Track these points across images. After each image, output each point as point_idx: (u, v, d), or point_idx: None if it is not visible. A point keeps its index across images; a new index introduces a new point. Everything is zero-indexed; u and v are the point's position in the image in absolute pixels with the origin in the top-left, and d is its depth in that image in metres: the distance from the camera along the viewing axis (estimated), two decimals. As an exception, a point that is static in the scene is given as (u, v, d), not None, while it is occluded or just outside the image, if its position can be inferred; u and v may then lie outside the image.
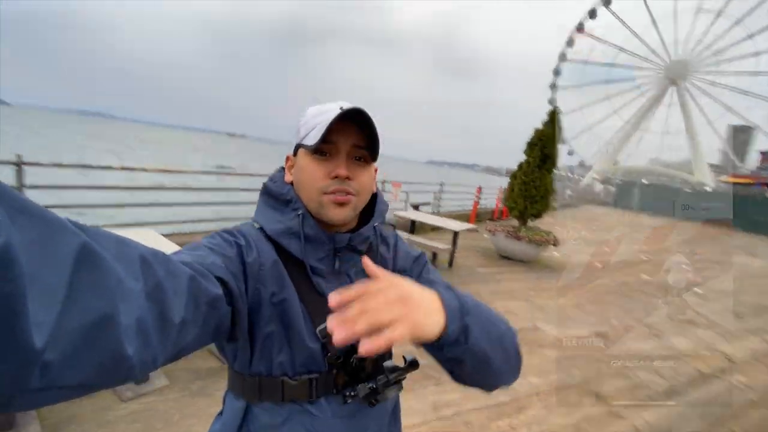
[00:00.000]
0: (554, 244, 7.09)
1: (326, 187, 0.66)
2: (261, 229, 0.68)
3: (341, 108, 0.64)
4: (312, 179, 0.66)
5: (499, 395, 2.63)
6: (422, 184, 9.65)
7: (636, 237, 6.82)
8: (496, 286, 5.56)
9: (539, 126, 7.32)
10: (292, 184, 0.71)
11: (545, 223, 7.89)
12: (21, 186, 3.28)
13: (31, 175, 3.44)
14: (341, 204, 0.66)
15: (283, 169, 0.76)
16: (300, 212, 0.66)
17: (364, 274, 0.55)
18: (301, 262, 0.67)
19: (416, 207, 8.46)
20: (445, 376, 0.66)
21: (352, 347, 0.57)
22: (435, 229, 8.98)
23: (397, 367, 0.66)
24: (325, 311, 0.48)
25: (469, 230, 6.37)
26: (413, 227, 6.57)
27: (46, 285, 0.28)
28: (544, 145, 7.11)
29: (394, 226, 4.24)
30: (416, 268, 0.80)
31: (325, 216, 0.67)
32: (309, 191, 0.67)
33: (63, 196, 4.21)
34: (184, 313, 0.43)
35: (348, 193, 0.66)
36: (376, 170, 0.76)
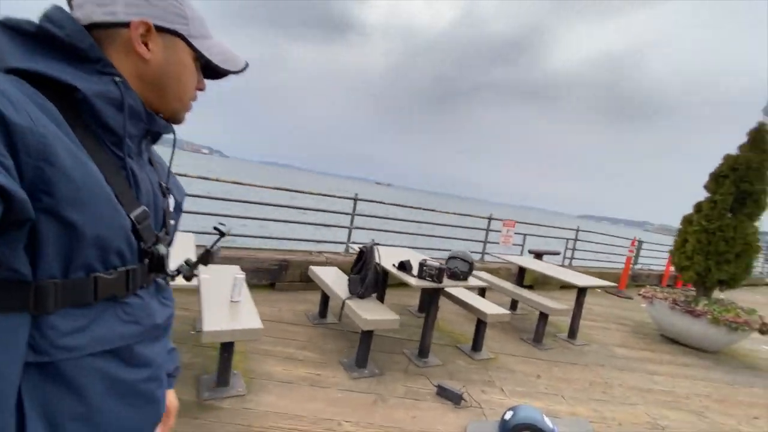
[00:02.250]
0: (762, 331, 4.47)
1: (193, 96, 0.71)
2: (34, 80, 0.51)
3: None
4: (190, 82, 0.68)
5: None
6: (548, 228, 7.79)
7: None
8: (646, 381, 3.56)
9: (732, 151, 5.01)
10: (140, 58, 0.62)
11: (744, 297, 5.21)
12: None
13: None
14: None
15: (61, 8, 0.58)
16: (118, 79, 0.59)
17: (153, 162, 0.73)
18: (106, 134, 0.59)
19: (538, 256, 6.75)
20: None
21: (157, 236, 0.66)
22: (563, 287, 7.04)
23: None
24: (134, 196, 0.61)
25: (606, 289, 4.48)
26: (521, 277, 5.05)
27: None
28: (741, 177, 4.77)
29: (470, 265, 3.06)
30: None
31: (175, 117, 0.70)
32: (180, 92, 0.68)
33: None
34: None
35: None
36: None
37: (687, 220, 5.25)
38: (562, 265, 7.63)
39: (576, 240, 7.65)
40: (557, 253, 7.30)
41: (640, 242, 8.13)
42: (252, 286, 3.28)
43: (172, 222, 0.73)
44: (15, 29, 0.53)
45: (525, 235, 6.90)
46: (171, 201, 0.74)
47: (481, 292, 4.80)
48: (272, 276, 4.26)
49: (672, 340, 4.95)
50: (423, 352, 3.13)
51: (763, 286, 11.91)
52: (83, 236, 0.52)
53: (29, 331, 0.50)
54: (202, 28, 0.67)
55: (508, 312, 3.44)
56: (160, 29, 0.62)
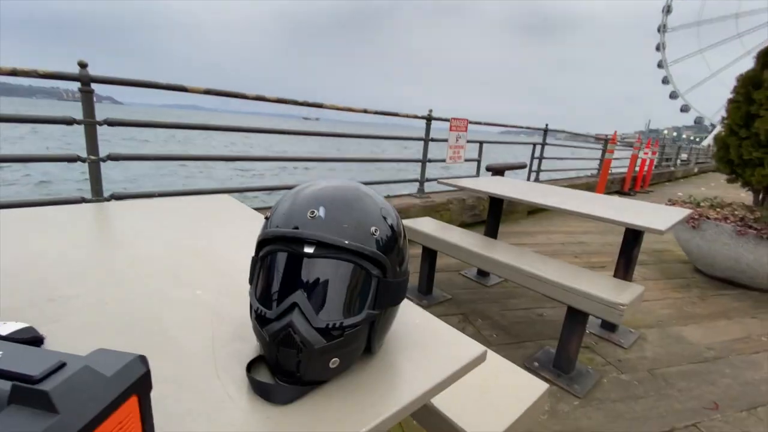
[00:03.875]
0: None
1: None
2: None
3: None
4: None
5: None
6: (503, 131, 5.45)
7: None
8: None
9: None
10: None
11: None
12: None
13: None
14: None
15: None
16: None
17: None
18: None
19: (498, 172, 4.47)
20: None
21: None
22: (532, 212, 4.90)
23: None
24: None
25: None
26: (495, 214, 2.73)
27: None
28: None
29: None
30: None
31: None
32: None
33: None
34: None
35: None
36: None
37: (743, 99, 3.12)
38: (529, 181, 5.54)
39: (544, 144, 5.47)
40: (524, 166, 5.09)
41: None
42: None
43: None
44: None
45: (481, 142, 4.50)
46: None
47: (430, 255, 2.39)
48: None
49: (720, 279, 3.10)
50: None
51: None
52: None
53: None
54: None
55: (545, 388, 1.00)
56: None
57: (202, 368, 0.50)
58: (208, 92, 2.10)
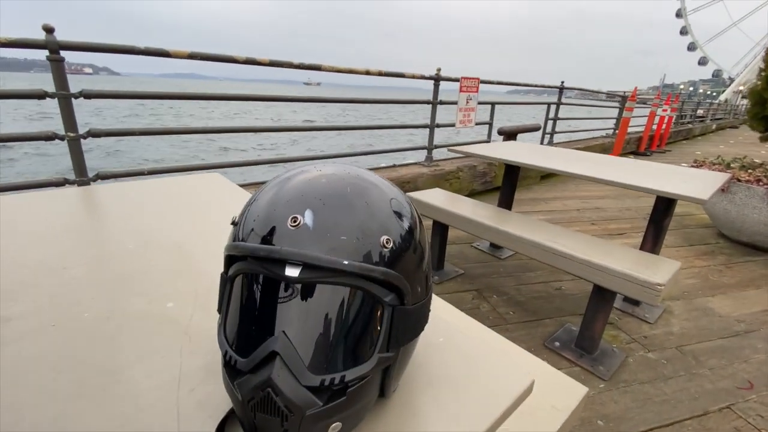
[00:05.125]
0: None
1: None
2: None
3: None
4: None
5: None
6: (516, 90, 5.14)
7: None
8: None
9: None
10: None
11: None
12: None
13: None
14: None
15: None
16: None
17: None
18: None
19: (511, 136, 4.23)
20: None
21: None
22: (545, 177, 4.74)
23: None
24: None
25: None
26: (510, 185, 2.54)
27: None
28: None
29: None
30: None
31: None
32: None
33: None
34: None
35: None
36: None
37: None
38: (543, 144, 5.28)
39: (559, 104, 5.14)
40: (537, 128, 4.81)
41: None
42: None
43: None
44: None
45: (493, 103, 4.22)
46: None
47: (441, 229, 2.25)
48: None
49: (755, 248, 2.93)
50: None
51: None
52: None
53: None
54: None
55: (585, 391, 0.87)
56: None
57: (159, 423, 0.38)
58: (192, 56, 1.89)
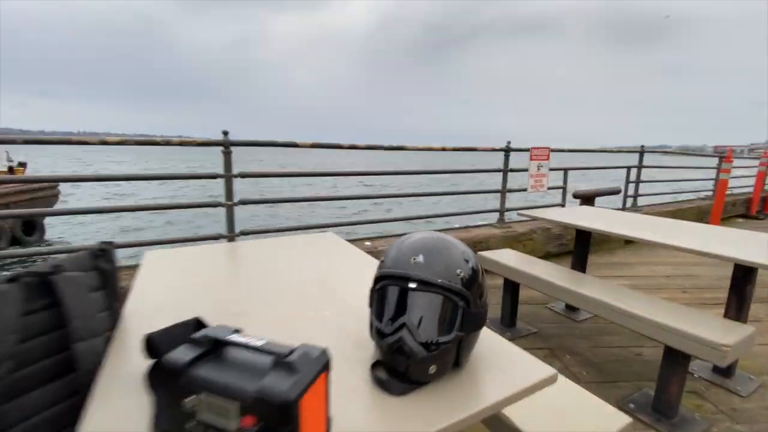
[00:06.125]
0: None
1: None
2: None
3: None
4: None
5: None
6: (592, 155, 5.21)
7: None
8: None
9: None
10: None
11: None
12: None
13: None
14: None
15: None
16: None
17: None
18: None
19: (588, 200, 4.27)
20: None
21: None
22: (629, 242, 4.54)
23: None
24: None
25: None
26: (583, 246, 2.64)
27: None
28: None
29: (463, 299, 0.61)
30: None
31: None
32: None
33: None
34: None
35: None
36: None
37: None
38: (624, 208, 5.14)
39: (640, 167, 5.06)
40: (617, 192, 4.77)
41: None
42: None
43: None
44: None
45: (566, 170, 4.37)
46: None
47: (512, 287, 2.43)
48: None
49: None
50: None
51: None
52: None
53: None
54: None
55: (628, 422, 1.03)
56: None
57: (337, 368, 0.72)
58: (314, 146, 2.54)
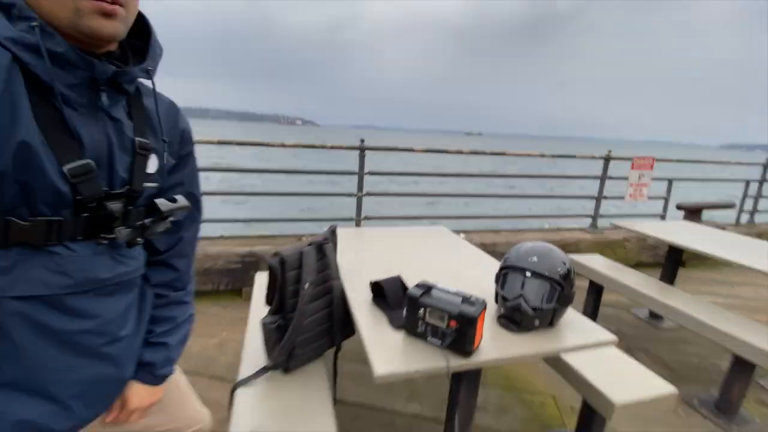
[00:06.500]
0: None
1: None
2: None
3: None
4: None
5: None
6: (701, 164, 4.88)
7: None
8: None
9: None
10: None
11: None
12: None
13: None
14: (108, 15, 0.57)
15: None
16: (34, 23, 0.54)
17: (128, 118, 0.67)
18: (35, 85, 0.55)
19: (694, 212, 4.17)
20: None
21: (108, 193, 0.63)
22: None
23: (173, 206, 0.71)
24: (76, 149, 0.58)
25: None
26: (674, 262, 2.78)
27: None
28: None
29: (558, 285, 1.13)
30: (181, 150, 0.79)
31: (87, 28, 0.57)
32: None
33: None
34: None
35: (114, 2, 0.57)
36: None
37: None
38: (738, 225, 4.81)
39: (762, 182, 4.65)
40: (730, 206, 4.51)
41: None
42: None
43: (151, 184, 0.71)
44: None
45: (670, 180, 4.28)
46: (152, 161, 0.71)
47: (596, 290, 2.73)
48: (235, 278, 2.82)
49: None
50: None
51: None
52: (2, 179, 0.53)
53: None
54: None
55: (672, 391, 1.40)
56: None
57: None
58: (426, 151, 3.07)
